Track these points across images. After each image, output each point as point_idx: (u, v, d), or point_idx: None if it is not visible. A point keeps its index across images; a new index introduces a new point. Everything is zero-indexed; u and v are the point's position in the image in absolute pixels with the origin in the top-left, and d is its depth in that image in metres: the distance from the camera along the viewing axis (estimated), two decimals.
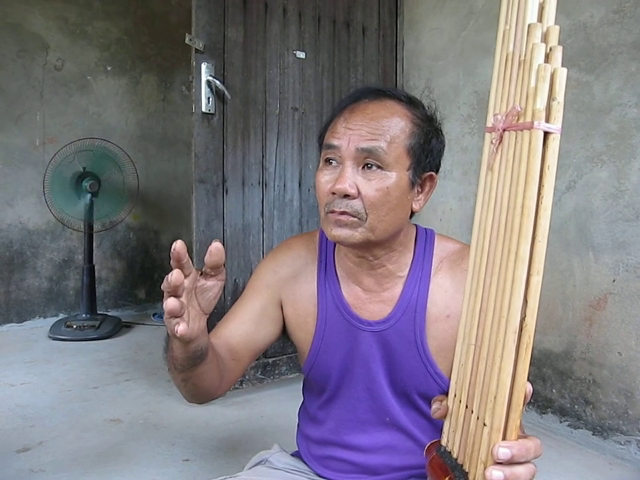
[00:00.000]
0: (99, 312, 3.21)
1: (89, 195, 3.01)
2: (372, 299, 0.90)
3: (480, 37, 2.16)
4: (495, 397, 0.50)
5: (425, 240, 0.91)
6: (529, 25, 0.49)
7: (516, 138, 0.50)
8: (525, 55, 0.50)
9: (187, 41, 1.89)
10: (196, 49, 1.90)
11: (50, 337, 2.91)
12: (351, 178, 0.78)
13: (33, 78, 3.22)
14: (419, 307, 0.87)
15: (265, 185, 2.14)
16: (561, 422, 1.86)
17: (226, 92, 1.96)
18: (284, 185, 2.19)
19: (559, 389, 1.87)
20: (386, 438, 0.90)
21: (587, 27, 1.78)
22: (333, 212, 0.80)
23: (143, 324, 3.32)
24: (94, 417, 1.91)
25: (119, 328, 3.09)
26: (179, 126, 3.78)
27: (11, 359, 2.55)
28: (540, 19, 0.50)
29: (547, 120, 0.47)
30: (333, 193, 0.79)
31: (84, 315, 3.08)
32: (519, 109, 0.49)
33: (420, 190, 0.85)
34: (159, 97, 3.73)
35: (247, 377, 2.13)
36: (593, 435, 1.77)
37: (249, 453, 1.09)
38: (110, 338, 2.95)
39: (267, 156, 2.14)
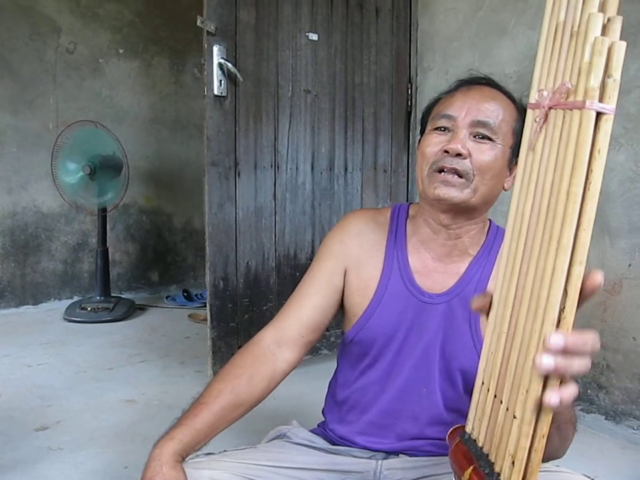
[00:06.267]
0: (112, 294, 3.24)
1: (93, 177, 2.94)
2: (438, 269, 0.93)
3: (496, 17, 2.12)
4: (527, 391, 0.47)
5: (496, 232, 0.97)
6: None
7: (564, 117, 0.45)
8: (579, 25, 0.44)
9: (198, 23, 1.87)
10: (207, 31, 1.89)
11: (65, 318, 2.95)
12: (464, 140, 0.85)
13: (45, 61, 3.22)
14: (479, 287, 0.91)
15: (277, 167, 2.13)
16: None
17: (238, 74, 1.95)
18: (296, 168, 2.18)
19: None
20: (414, 408, 0.92)
21: None
22: (441, 170, 0.85)
23: (156, 306, 3.36)
24: (109, 397, 1.94)
25: (132, 310, 3.13)
26: (191, 109, 3.77)
27: (28, 340, 2.59)
28: None
29: (601, 99, 0.42)
30: (446, 152, 0.85)
31: (98, 298, 3.12)
32: (569, 86, 0.45)
33: (509, 173, 0.91)
34: (171, 79, 3.72)
35: None
36: (605, 419, 1.76)
37: (262, 433, 1.10)
38: (124, 320, 2.99)
39: (279, 138, 2.13)
